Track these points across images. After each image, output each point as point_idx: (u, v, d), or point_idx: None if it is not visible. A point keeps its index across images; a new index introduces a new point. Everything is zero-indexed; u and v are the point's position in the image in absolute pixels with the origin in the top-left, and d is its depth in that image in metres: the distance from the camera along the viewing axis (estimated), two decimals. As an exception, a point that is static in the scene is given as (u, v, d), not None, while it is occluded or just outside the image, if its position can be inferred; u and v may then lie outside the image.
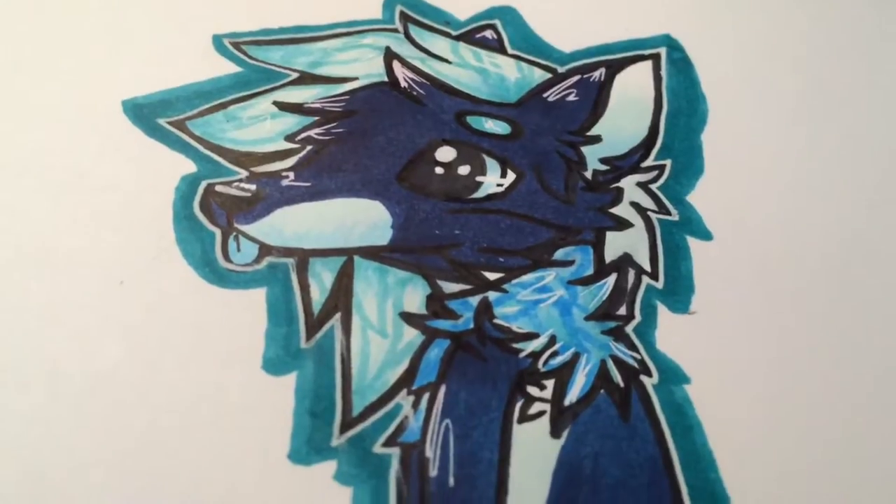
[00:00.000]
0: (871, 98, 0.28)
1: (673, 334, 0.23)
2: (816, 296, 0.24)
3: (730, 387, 0.22)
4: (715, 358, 0.23)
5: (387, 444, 0.20)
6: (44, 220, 0.23)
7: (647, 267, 0.24)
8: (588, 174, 0.26)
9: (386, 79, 0.27)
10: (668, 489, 0.20)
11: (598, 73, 0.28)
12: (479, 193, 0.25)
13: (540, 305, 0.23)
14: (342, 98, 0.27)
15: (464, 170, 0.25)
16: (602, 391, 0.22)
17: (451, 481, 0.20)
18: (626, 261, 0.24)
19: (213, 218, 0.24)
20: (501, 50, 0.28)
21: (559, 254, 0.24)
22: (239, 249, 0.23)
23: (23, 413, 0.20)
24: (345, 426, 0.20)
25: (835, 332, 0.23)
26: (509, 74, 0.28)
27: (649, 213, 0.25)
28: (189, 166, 0.25)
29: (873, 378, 0.22)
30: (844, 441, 0.21)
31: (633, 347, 0.23)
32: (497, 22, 0.29)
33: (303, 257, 0.23)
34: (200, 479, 0.19)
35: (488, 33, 0.29)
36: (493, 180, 0.25)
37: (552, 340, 0.23)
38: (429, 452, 0.20)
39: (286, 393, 0.21)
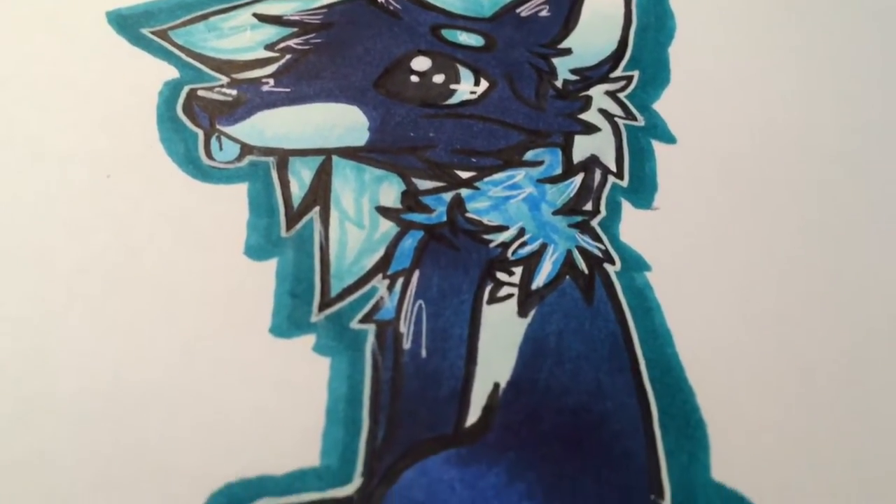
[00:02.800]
0: (836, 7, 0.29)
1: (636, 228, 0.24)
2: (773, 194, 0.25)
3: (688, 274, 0.23)
4: (675, 249, 0.24)
5: (363, 320, 0.21)
6: (35, 122, 0.24)
7: (613, 167, 0.25)
8: (559, 84, 0.27)
9: (363, -8, 0.28)
10: (627, 361, 0.21)
11: (570, -11, 0.29)
12: (453, 100, 0.26)
13: (510, 201, 0.24)
14: (320, 11, 0.28)
15: (438, 78, 0.26)
16: (567, 277, 0.23)
17: (424, 353, 0.21)
18: (593, 161, 0.25)
19: (195, 120, 0.25)
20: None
21: (529, 155, 0.25)
22: (221, 148, 0.24)
23: (16, 291, 0.21)
24: (323, 305, 0.22)
25: (785, 221, 0.24)
26: (483, -11, 0.29)
27: (616, 118, 0.26)
28: (172, 73, 0.26)
29: (828, 266, 0.23)
30: (792, 319, 0.22)
31: (597, 239, 0.24)
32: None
33: (283, 156, 0.24)
34: (187, 352, 0.20)
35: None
36: (467, 88, 0.26)
37: (521, 232, 0.24)
38: (402, 328, 0.21)
39: (267, 276, 0.22)
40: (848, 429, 0.20)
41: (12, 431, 0.19)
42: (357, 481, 0.19)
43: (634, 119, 0.26)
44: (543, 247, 0.24)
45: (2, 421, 0.19)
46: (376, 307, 0.22)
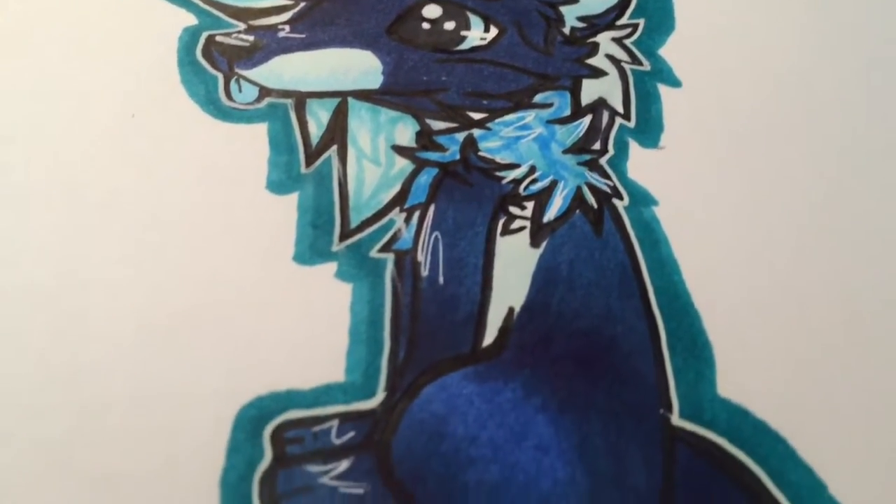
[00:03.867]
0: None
1: (643, 165, 0.25)
2: (774, 133, 0.26)
3: (694, 208, 0.24)
4: (681, 185, 0.25)
5: (382, 250, 0.22)
6: (60, 63, 0.25)
7: (620, 109, 0.26)
8: (566, 31, 0.28)
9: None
10: (635, 288, 0.22)
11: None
12: (464, 46, 0.27)
13: (521, 141, 0.25)
14: (333, -39, 0.28)
15: (449, 25, 0.27)
16: (577, 211, 0.24)
17: (441, 280, 0.22)
18: (600, 104, 0.26)
19: (214, 64, 0.25)
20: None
21: (539, 97, 0.26)
22: (241, 91, 0.25)
23: (48, 225, 0.22)
24: (343, 236, 0.22)
25: (785, 157, 0.25)
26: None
27: (623, 63, 0.27)
28: (190, 19, 0.26)
29: (826, 195, 0.24)
30: (792, 247, 0.23)
31: (606, 176, 0.25)
32: None
33: (300, 98, 0.25)
34: (216, 279, 0.21)
35: None
36: (477, 34, 0.27)
37: (532, 170, 0.25)
38: (420, 258, 0.22)
39: (289, 209, 0.23)
40: (845, 346, 0.21)
41: (49, 354, 0.20)
42: (380, 395, 0.20)
43: (640, 64, 0.27)
44: (554, 183, 0.24)
45: (39, 344, 0.20)
46: (394, 238, 0.23)
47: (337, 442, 0.19)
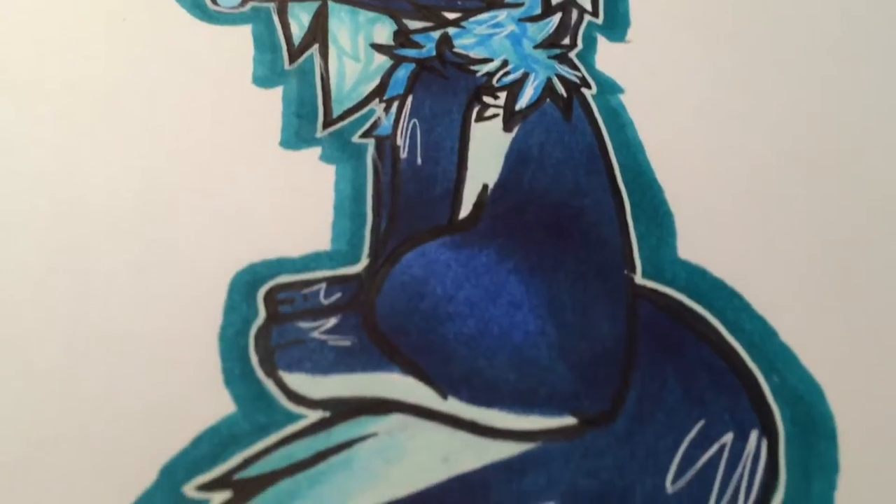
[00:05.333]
0: None
1: (610, 58, 0.26)
2: (737, 26, 0.27)
3: (657, 95, 0.26)
4: (645, 74, 0.26)
5: (363, 136, 0.24)
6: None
7: (589, 7, 0.27)
8: (536, -65, 0.29)
9: None
10: (602, 166, 0.24)
11: None
12: (438, -49, 0.28)
13: (494, 38, 0.27)
14: None
15: (424, -69, 0.28)
16: (548, 100, 0.25)
17: (419, 161, 0.23)
18: (569, 2, 0.27)
19: (199, -28, 0.27)
20: None
21: (510, -3, 0.27)
22: (225, -4, 0.26)
23: (46, 112, 0.23)
24: (326, 124, 0.24)
25: (747, 44, 0.26)
26: None
27: (591, -36, 0.28)
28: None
29: (774, 77, 0.26)
30: (745, 120, 0.25)
31: (575, 68, 0.26)
32: None
33: (282, 2, 0.26)
34: (209, 162, 0.23)
35: None
36: (451, -60, 0.28)
37: (504, 64, 0.26)
38: (399, 142, 0.24)
39: (275, 101, 0.24)
40: (792, 209, 0.23)
41: (57, 230, 0.21)
42: (364, 262, 0.21)
43: (608, -36, 0.28)
44: (525, 75, 0.26)
45: (47, 222, 0.21)
46: (375, 125, 0.24)
47: (325, 302, 0.21)
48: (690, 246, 0.22)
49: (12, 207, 0.22)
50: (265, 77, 0.25)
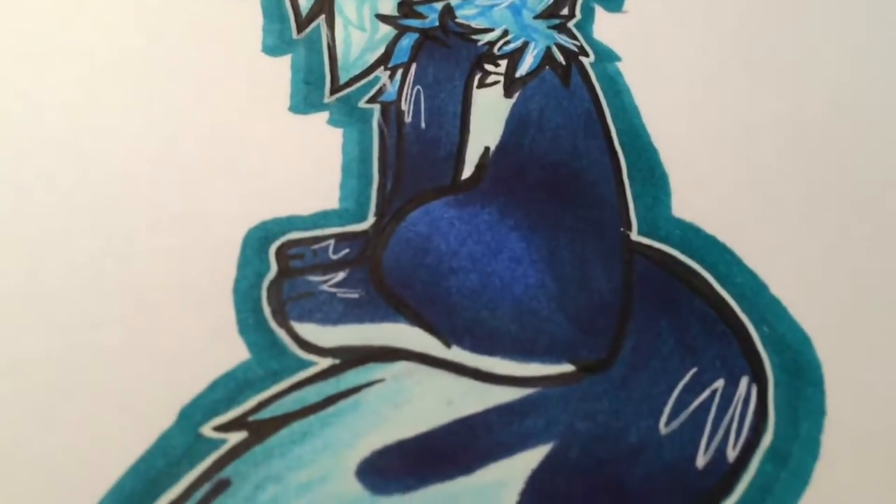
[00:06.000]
0: None
1: (608, 28, 0.27)
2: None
3: (654, 63, 0.26)
4: (642, 43, 0.27)
5: (369, 101, 0.25)
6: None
7: (587, -21, 0.28)
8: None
9: None
10: (600, 130, 0.25)
11: None
12: (441, -74, 0.29)
13: (494, 9, 0.27)
14: None
15: None
16: (547, 68, 0.26)
17: (423, 125, 0.24)
18: (568, -26, 0.28)
19: (209, -54, 0.27)
20: None
21: (511, -30, 0.28)
22: (234, -31, 0.27)
23: (62, 79, 0.24)
24: (334, 90, 0.25)
25: (741, 12, 0.27)
26: None
27: (589, -63, 0.29)
28: None
29: (770, 44, 0.27)
30: (739, 87, 0.25)
31: (573, 38, 0.27)
32: None
33: (289, -26, 0.27)
34: (222, 126, 0.24)
35: None
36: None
37: (505, 33, 0.27)
38: (404, 107, 0.25)
39: (283, 68, 0.25)
40: (783, 168, 0.24)
41: (79, 190, 0.22)
42: (371, 220, 0.22)
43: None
44: (525, 44, 0.27)
45: (69, 181, 0.22)
46: (380, 91, 0.25)
47: (334, 257, 0.22)
48: (685, 206, 0.23)
49: (35, 169, 0.23)
50: (274, 46, 0.25)
